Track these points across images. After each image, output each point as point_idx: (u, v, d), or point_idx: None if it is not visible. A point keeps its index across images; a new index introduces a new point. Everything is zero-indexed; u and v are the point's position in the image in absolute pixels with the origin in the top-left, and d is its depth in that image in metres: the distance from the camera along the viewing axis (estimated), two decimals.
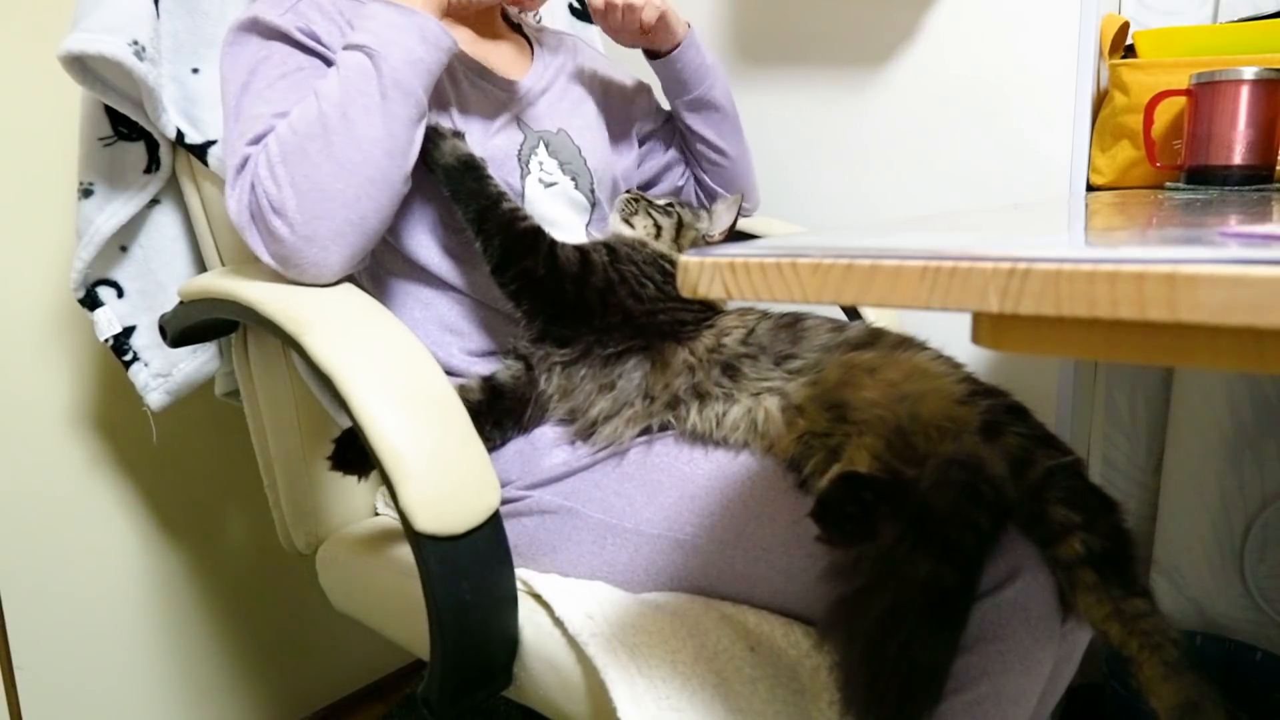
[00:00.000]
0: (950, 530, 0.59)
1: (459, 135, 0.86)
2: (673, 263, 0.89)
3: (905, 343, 0.78)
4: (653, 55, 1.03)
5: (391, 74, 0.75)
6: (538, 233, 0.83)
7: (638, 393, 0.81)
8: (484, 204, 0.82)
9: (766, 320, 0.83)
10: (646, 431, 0.81)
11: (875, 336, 0.79)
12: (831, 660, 0.64)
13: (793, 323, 0.82)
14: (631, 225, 0.94)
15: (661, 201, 0.97)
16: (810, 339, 0.79)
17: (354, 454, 0.75)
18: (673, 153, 1.14)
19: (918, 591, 0.57)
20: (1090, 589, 0.60)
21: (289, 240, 0.73)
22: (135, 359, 0.97)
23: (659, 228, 0.94)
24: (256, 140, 0.76)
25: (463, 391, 0.76)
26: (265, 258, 0.75)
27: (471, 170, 0.83)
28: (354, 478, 0.77)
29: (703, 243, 0.96)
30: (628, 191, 0.99)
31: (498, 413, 0.82)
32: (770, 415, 0.76)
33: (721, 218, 0.98)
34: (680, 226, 0.95)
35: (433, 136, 0.84)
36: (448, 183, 0.84)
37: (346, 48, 0.77)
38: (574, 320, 0.83)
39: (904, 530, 0.59)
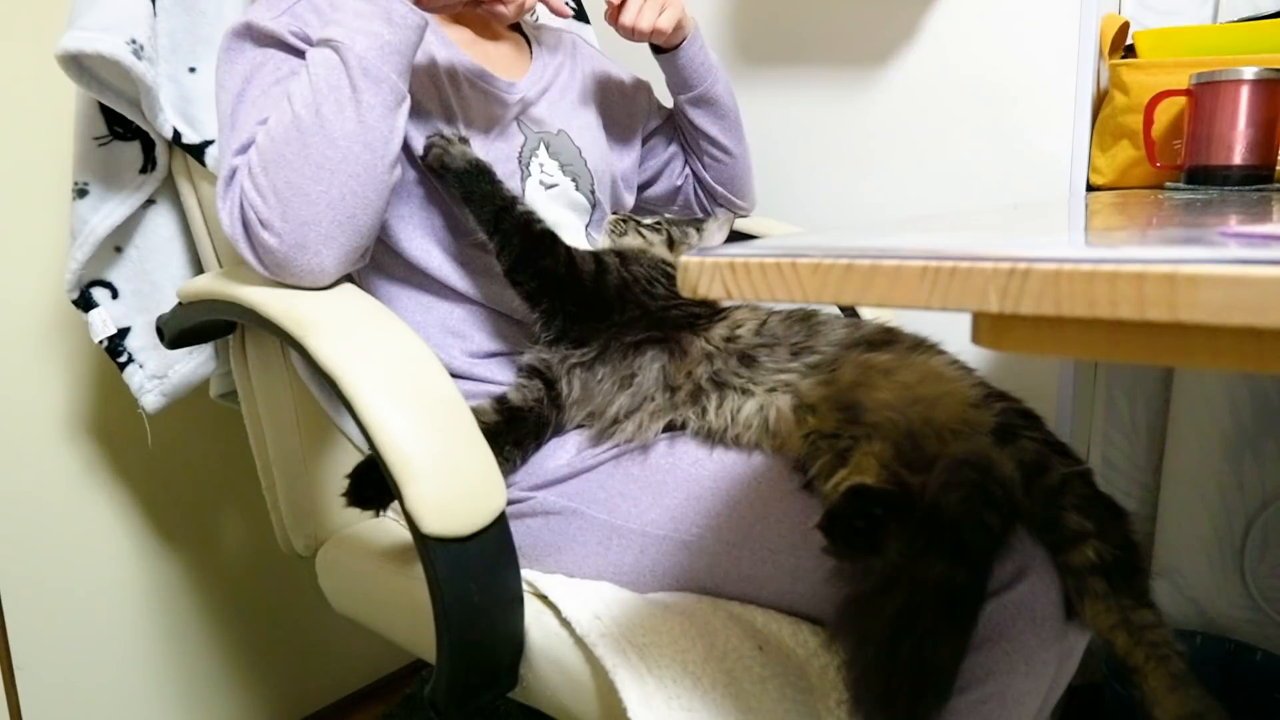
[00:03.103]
0: (962, 531, 0.59)
1: (464, 141, 0.86)
2: (675, 267, 0.89)
3: (921, 345, 0.78)
4: (658, 49, 1.03)
5: (359, 64, 0.73)
6: (554, 235, 0.84)
7: (657, 385, 0.81)
8: (500, 205, 0.83)
9: (777, 314, 0.84)
10: (670, 426, 0.81)
11: (891, 336, 0.79)
12: (842, 660, 0.64)
13: (806, 317, 0.82)
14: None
15: (649, 220, 0.98)
16: (826, 334, 0.80)
17: (372, 489, 0.74)
18: (673, 149, 1.14)
19: (930, 592, 0.57)
20: (1099, 597, 0.60)
21: (279, 250, 0.72)
22: (130, 361, 0.97)
23: (650, 245, 0.94)
24: (243, 149, 0.75)
25: (477, 414, 0.76)
26: (258, 269, 0.74)
27: (484, 174, 0.84)
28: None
29: None
30: (614, 214, 0.99)
31: (517, 433, 0.82)
32: (782, 413, 0.75)
33: (712, 236, 0.98)
34: (671, 243, 0.95)
35: (440, 143, 0.84)
36: (460, 186, 0.83)
37: (315, 44, 0.75)
38: (593, 315, 0.83)
39: (915, 531, 0.59)
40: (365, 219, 0.75)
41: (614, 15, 0.93)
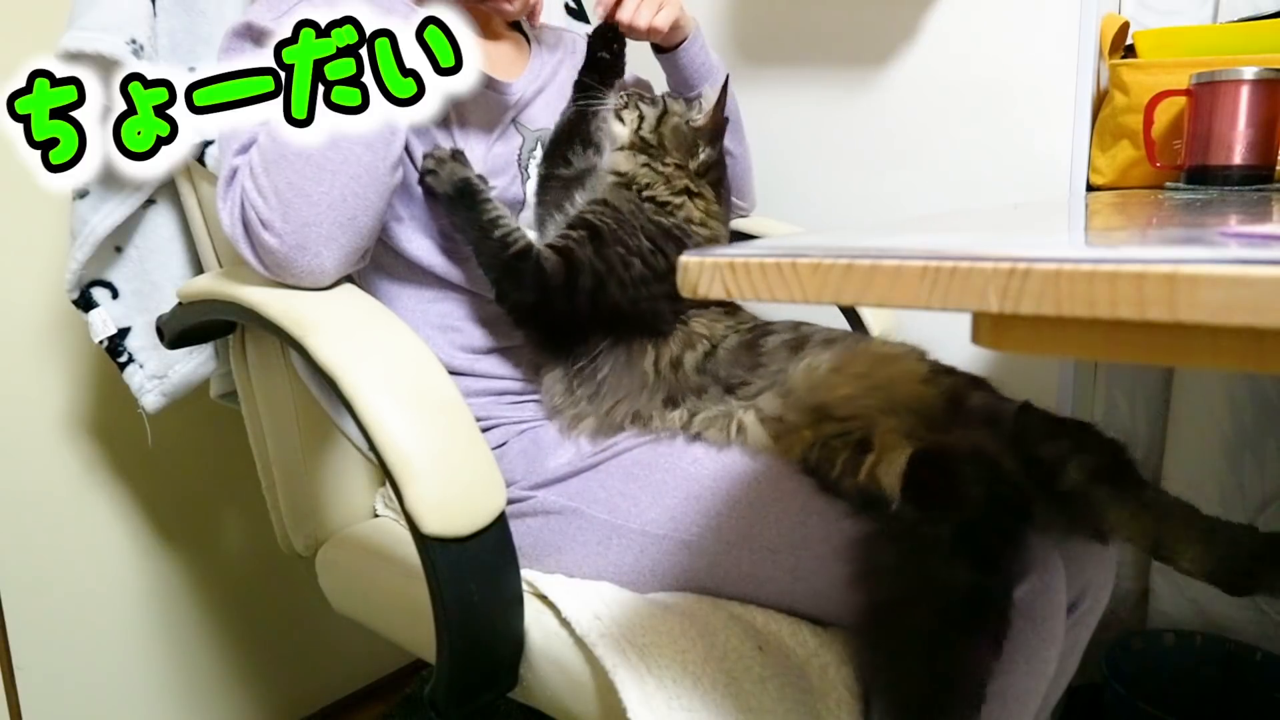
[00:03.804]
0: (983, 535, 0.60)
1: (457, 156, 0.86)
2: (671, 211, 0.89)
3: (854, 337, 0.81)
4: (658, 49, 1.02)
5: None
6: (522, 255, 0.82)
7: (593, 399, 0.83)
8: (477, 234, 0.83)
9: (733, 337, 0.83)
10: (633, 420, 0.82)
11: (831, 341, 0.79)
12: (866, 669, 0.65)
13: (752, 345, 0.81)
14: (622, 120, 0.93)
15: (653, 95, 0.98)
16: (768, 365, 0.79)
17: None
18: None
19: (958, 600, 0.58)
20: (1109, 501, 0.61)
21: (279, 251, 0.72)
22: (130, 361, 0.96)
23: (642, 117, 0.92)
24: (244, 149, 0.75)
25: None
26: (259, 269, 0.74)
27: (466, 196, 0.83)
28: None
29: (687, 128, 0.92)
30: (624, 91, 0.97)
31: None
32: (745, 425, 0.77)
33: (709, 98, 0.95)
34: (664, 114, 0.92)
35: (431, 164, 0.84)
36: (448, 211, 0.84)
37: None
38: (569, 335, 0.84)
39: (937, 536, 0.59)
40: (366, 220, 0.75)
41: (610, 12, 0.93)
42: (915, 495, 0.64)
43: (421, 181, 0.85)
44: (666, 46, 1.01)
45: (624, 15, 0.92)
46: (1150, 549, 0.60)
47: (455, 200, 0.83)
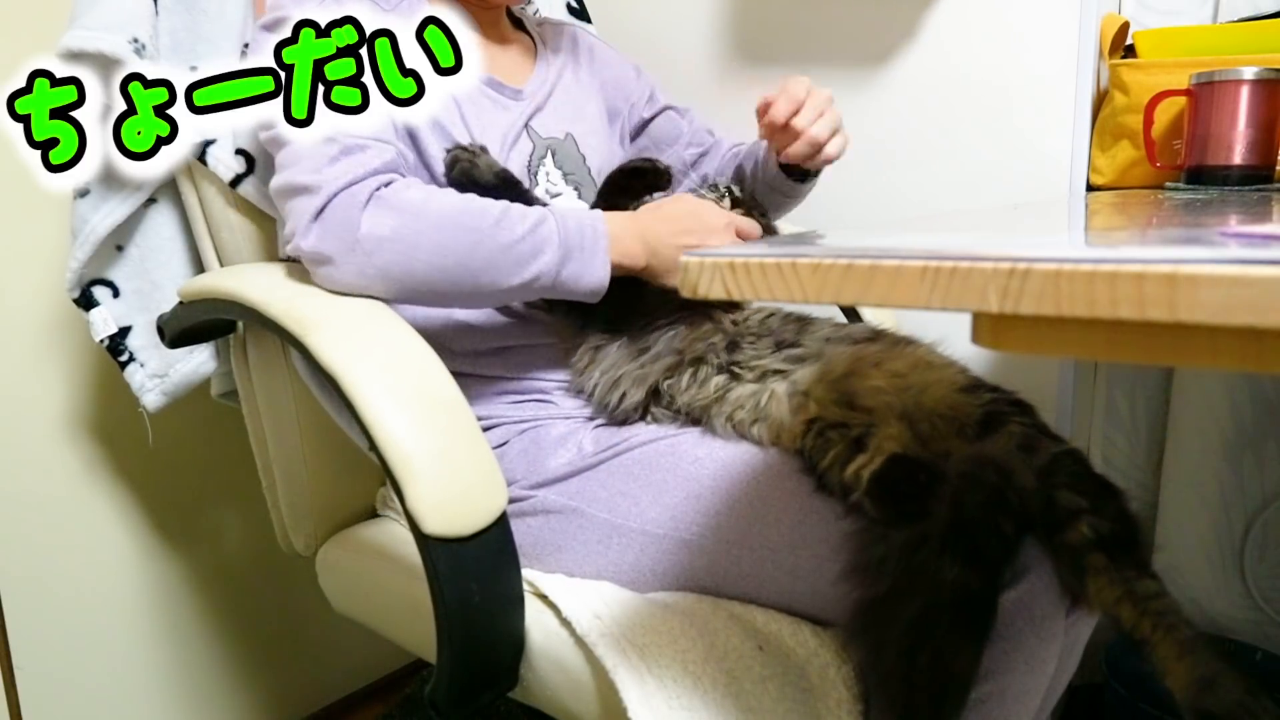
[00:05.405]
0: (978, 535, 0.59)
1: (485, 150, 0.86)
2: None
3: (906, 340, 0.80)
4: (787, 169, 0.97)
5: (551, 278, 0.77)
6: None
7: (663, 355, 0.83)
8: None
9: (782, 312, 0.88)
10: (656, 398, 0.83)
11: (878, 335, 0.81)
12: (856, 664, 0.65)
13: (801, 318, 0.86)
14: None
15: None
16: (813, 331, 0.83)
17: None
18: (676, 151, 1.12)
19: (946, 596, 0.58)
20: (1100, 572, 0.60)
21: (337, 247, 0.72)
22: (131, 359, 0.96)
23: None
24: (387, 167, 0.76)
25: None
26: (298, 238, 0.73)
27: (512, 184, 0.84)
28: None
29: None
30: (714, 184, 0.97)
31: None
32: (776, 396, 0.77)
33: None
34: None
35: (465, 157, 0.84)
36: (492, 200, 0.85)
37: (554, 223, 0.77)
38: (635, 306, 0.85)
39: (929, 532, 0.59)
40: (409, 301, 0.77)
41: (783, 121, 0.85)
42: (881, 496, 0.64)
43: (453, 173, 0.85)
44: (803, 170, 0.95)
45: (801, 122, 0.85)
46: (1127, 635, 0.59)
47: (501, 189, 0.84)
